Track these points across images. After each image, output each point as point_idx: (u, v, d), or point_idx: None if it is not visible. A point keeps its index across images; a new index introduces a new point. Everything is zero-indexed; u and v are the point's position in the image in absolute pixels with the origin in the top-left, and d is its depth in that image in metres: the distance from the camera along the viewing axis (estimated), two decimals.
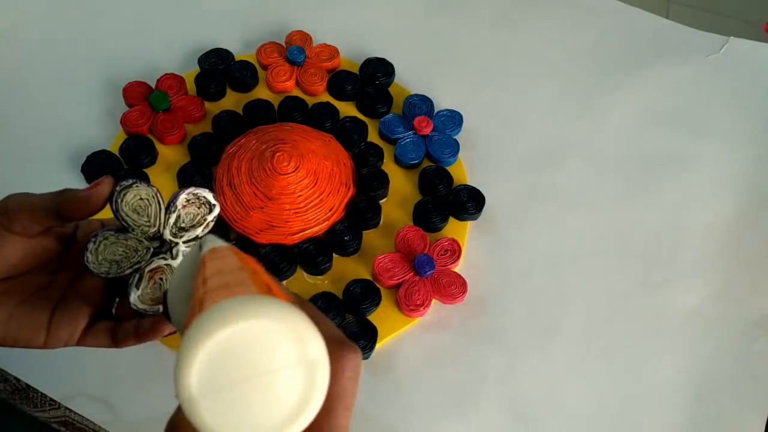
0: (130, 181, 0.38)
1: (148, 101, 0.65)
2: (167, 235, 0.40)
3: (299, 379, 0.22)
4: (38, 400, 0.54)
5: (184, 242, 0.40)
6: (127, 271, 0.39)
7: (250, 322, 0.22)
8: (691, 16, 1.59)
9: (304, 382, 0.23)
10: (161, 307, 0.40)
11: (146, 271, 0.39)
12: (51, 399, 0.53)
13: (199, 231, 0.40)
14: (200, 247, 0.32)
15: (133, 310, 0.39)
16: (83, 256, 0.38)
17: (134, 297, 0.39)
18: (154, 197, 0.39)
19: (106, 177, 0.38)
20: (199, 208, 0.40)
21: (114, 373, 0.54)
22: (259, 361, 0.22)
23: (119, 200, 0.38)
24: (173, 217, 0.39)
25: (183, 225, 0.40)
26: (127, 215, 0.38)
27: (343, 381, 0.26)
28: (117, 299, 0.42)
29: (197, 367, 0.21)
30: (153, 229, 0.39)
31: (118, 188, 0.38)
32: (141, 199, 0.38)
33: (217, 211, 0.40)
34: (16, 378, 0.53)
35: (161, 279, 0.40)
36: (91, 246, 0.38)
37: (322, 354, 0.23)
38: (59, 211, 0.37)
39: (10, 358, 0.53)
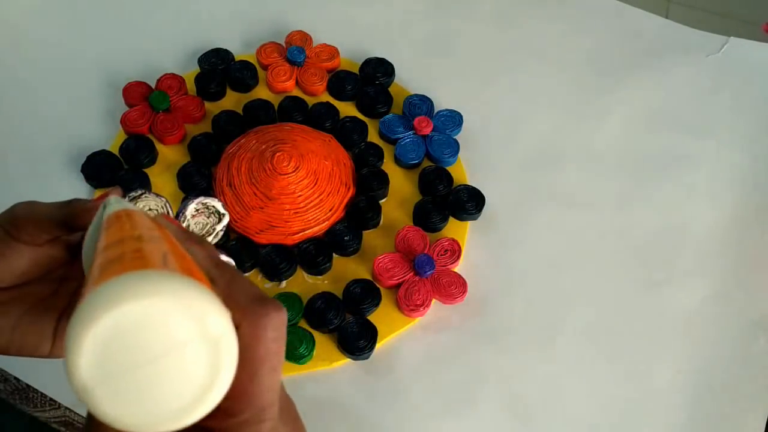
0: (139, 192, 0.37)
1: (148, 101, 0.65)
2: None
3: (202, 358, 0.21)
4: (38, 400, 0.54)
5: None
6: None
7: (140, 302, 0.20)
8: (691, 16, 1.59)
9: (208, 361, 0.21)
10: None
11: None
12: (51, 399, 0.53)
13: (209, 240, 0.40)
14: (104, 208, 0.30)
15: None
16: None
17: None
18: (163, 207, 0.38)
19: (114, 188, 0.37)
20: (208, 217, 0.40)
21: None
22: (156, 342, 0.20)
23: None
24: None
25: None
26: None
27: (266, 342, 0.25)
28: None
29: (87, 353, 0.20)
30: None
31: (126, 199, 0.37)
32: (150, 209, 0.38)
33: (226, 220, 0.40)
34: (16, 378, 0.53)
35: None
36: None
37: (225, 330, 0.21)
38: (67, 221, 0.36)
39: (11, 359, 0.53)
